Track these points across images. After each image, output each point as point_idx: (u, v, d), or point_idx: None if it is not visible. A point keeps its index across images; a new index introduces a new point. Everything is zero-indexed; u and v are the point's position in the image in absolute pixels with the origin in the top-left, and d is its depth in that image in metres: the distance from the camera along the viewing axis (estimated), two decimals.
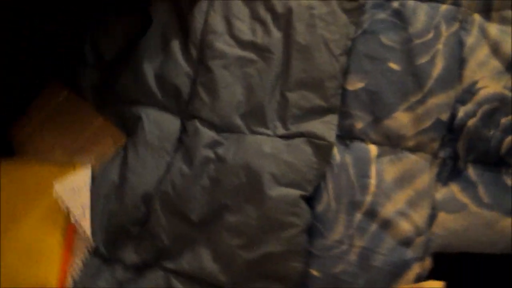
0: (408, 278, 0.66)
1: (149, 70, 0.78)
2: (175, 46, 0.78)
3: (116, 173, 0.74)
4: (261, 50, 0.76)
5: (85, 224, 0.71)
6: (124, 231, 0.72)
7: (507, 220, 0.66)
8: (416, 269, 0.67)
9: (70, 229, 0.71)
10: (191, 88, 0.77)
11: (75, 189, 0.72)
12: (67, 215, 0.71)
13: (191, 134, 0.75)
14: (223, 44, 0.77)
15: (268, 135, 0.73)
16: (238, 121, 0.74)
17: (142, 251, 0.71)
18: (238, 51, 0.77)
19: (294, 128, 0.73)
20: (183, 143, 0.75)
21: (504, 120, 0.70)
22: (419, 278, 0.66)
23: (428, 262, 0.67)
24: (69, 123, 0.78)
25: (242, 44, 0.77)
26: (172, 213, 0.72)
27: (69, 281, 0.69)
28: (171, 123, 0.77)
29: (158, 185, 0.73)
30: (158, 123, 0.76)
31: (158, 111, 0.77)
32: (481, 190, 0.69)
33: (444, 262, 0.66)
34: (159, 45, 0.79)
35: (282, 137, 0.73)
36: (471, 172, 0.70)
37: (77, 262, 0.70)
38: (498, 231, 0.66)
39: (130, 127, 0.77)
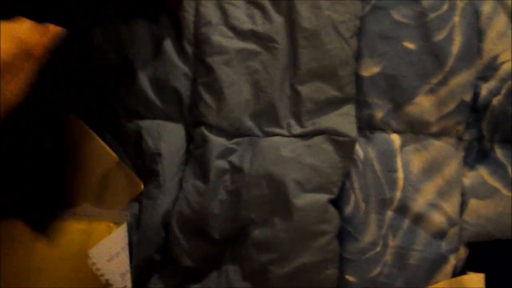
0: (446, 271, 0.65)
1: (143, 76, 0.69)
2: (168, 45, 0.69)
3: (136, 206, 0.68)
4: (264, 40, 0.69)
5: None
6: (148, 262, 0.66)
7: None
8: (452, 261, 0.65)
9: None
10: (192, 91, 0.69)
11: (112, 255, 0.63)
12: (106, 287, 0.64)
13: (200, 144, 0.68)
14: (220, 36, 0.69)
15: (284, 136, 0.67)
16: (249, 123, 0.68)
17: (166, 277, 0.67)
18: (238, 43, 0.69)
19: (310, 125, 0.67)
20: (192, 155, 0.69)
21: None
22: (456, 271, 0.65)
23: (463, 253, 0.66)
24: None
25: (241, 34, 0.69)
26: (192, 233, 0.67)
27: None
28: (176, 134, 0.69)
29: (173, 206, 0.67)
30: (162, 136, 0.68)
31: (160, 121, 0.69)
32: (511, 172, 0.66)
33: (480, 252, 0.65)
34: (150, 47, 0.69)
35: (299, 136, 0.67)
36: (499, 153, 0.67)
37: None
38: None
39: (129, 145, 0.69)
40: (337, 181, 0.66)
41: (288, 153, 0.66)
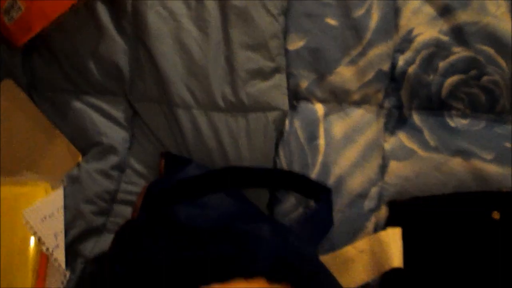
0: (368, 230, 0.68)
1: (85, 52, 0.73)
2: (108, 23, 0.73)
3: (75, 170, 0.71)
4: (197, 20, 0.73)
5: (60, 256, 0.66)
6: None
7: (454, 160, 0.69)
8: (373, 220, 0.69)
9: (42, 260, 0.66)
10: (132, 68, 0.73)
11: (46, 216, 0.66)
12: (38, 245, 0.66)
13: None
14: (156, 16, 0.73)
15: (220, 108, 0.71)
16: (185, 95, 0.72)
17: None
18: (172, 23, 0.73)
19: (244, 96, 0.71)
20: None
21: (442, 64, 0.71)
22: (377, 228, 0.68)
23: (383, 212, 0.69)
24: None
25: (174, 15, 0.73)
26: None
27: None
28: (119, 108, 0.73)
29: None
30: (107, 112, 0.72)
31: (102, 97, 0.73)
32: (427, 135, 0.71)
33: (399, 209, 0.68)
34: (90, 21, 0.73)
35: (234, 110, 0.71)
36: (416, 118, 0.72)
37: None
38: (446, 172, 0.69)
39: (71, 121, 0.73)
40: (271, 153, 0.70)
41: (226, 136, 0.70)
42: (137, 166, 0.72)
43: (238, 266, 0.50)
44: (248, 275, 0.48)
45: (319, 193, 0.68)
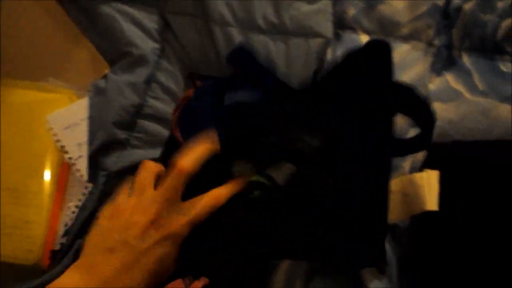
0: (404, 171, 0.65)
1: None
2: None
3: (102, 83, 0.67)
4: None
5: (82, 166, 0.63)
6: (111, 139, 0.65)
7: (503, 106, 0.65)
8: (410, 161, 0.66)
9: (63, 169, 0.64)
10: None
11: (70, 124, 0.63)
12: (60, 153, 0.63)
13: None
14: None
15: (260, 30, 0.66)
16: (224, 10, 0.67)
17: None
18: None
19: (287, 18, 0.66)
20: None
21: (501, 4, 0.66)
22: (413, 170, 0.65)
23: (421, 154, 0.66)
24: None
25: None
26: None
27: (61, 227, 0.63)
28: (152, 19, 0.68)
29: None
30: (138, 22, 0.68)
31: (134, 5, 0.68)
32: (476, 78, 0.67)
33: (438, 152, 0.65)
34: None
35: (275, 31, 0.67)
36: (466, 60, 0.68)
37: (70, 206, 0.63)
38: (493, 118, 0.65)
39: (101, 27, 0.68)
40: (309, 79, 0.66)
41: (263, 60, 0.65)
42: (164, 80, 0.68)
43: None
44: None
45: None
